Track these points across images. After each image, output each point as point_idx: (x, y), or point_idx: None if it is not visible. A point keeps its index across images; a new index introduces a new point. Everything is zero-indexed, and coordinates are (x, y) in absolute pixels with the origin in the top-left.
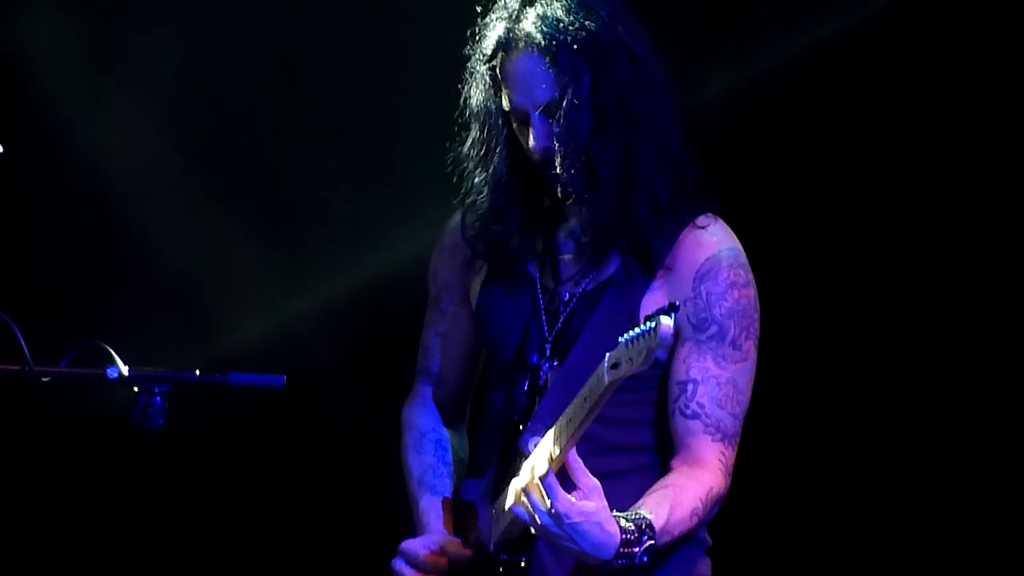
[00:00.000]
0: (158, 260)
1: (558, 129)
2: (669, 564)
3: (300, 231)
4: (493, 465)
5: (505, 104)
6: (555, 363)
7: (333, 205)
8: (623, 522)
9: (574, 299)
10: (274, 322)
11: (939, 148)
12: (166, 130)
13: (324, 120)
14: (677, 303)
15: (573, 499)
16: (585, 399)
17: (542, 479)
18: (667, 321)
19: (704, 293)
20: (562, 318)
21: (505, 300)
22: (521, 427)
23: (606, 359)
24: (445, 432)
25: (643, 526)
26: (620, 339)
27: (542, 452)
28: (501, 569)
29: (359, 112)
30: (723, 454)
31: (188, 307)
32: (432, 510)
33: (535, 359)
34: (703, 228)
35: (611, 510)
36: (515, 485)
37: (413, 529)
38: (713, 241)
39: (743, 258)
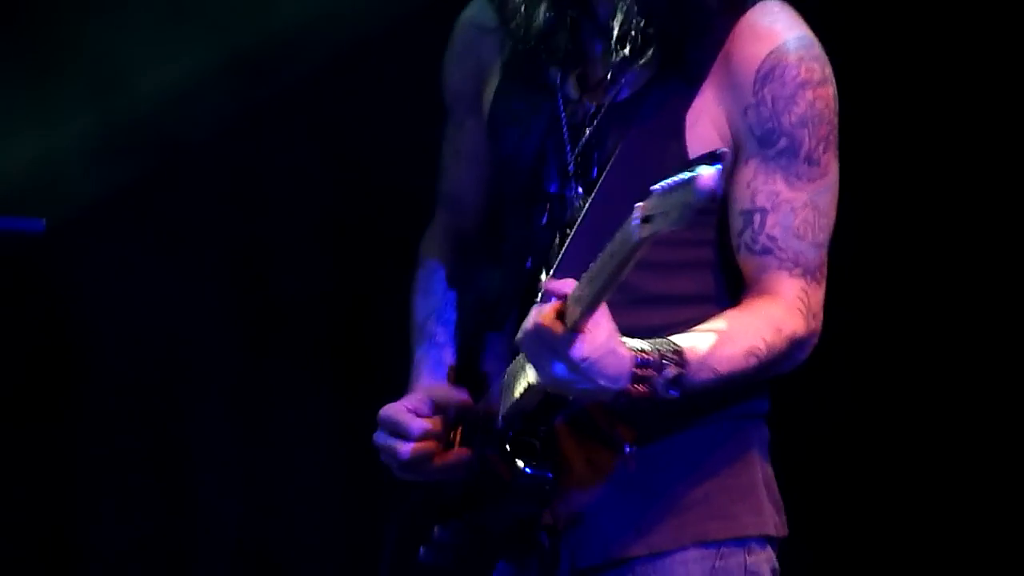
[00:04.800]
0: None
1: None
2: (690, 433)
3: (58, 40)
4: (512, 318)
5: None
6: (579, 191)
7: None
8: (643, 344)
9: (602, 111)
10: (23, 156)
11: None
12: None
13: None
14: (721, 150)
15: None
16: (611, 255)
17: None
18: (708, 172)
19: (769, 97)
20: (587, 134)
21: (519, 113)
22: (543, 274)
23: (637, 211)
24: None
25: (666, 350)
26: (653, 188)
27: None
28: (507, 447)
29: None
30: (805, 292)
31: None
32: (425, 363)
33: (554, 187)
34: (761, 12)
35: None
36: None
37: None
38: (777, 29)
39: (817, 48)
